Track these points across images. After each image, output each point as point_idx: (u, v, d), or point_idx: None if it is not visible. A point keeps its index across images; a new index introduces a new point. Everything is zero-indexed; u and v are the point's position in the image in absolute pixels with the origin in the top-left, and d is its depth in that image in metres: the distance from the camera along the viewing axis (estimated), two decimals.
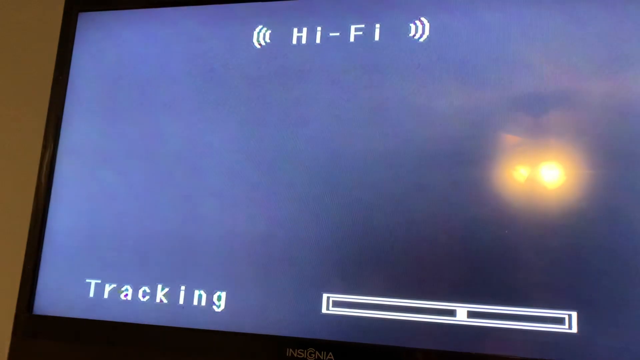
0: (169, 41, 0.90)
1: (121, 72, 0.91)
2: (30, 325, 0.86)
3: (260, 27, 0.86)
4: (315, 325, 0.76)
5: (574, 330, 0.69)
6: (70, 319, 0.84)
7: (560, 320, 0.69)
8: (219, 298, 0.80)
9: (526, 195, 0.73)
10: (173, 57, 0.89)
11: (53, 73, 0.93)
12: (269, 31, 0.86)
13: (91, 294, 0.85)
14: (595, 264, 0.69)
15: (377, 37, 0.82)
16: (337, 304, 0.76)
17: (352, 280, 0.76)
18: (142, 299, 0.83)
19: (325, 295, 0.76)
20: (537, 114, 0.75)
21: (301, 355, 0.75)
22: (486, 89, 0.77)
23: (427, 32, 0.80)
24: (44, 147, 0.91)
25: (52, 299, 0.86)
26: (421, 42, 0.80)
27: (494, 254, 0.72)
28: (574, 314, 0.69)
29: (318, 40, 0.84)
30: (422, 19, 0.80)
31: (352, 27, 0.83)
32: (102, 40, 0.93)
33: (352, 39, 0.82)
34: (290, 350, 0.75)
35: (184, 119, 0.87)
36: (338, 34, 0.83)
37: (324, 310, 0.76)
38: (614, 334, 0.67)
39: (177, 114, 0.87)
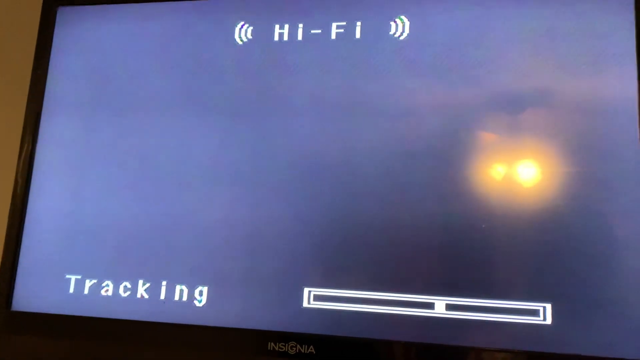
0: (149, 37, 0.90)
1: (101, 67, 0.91)
2: (9, 321, 0.85)
3: (241, 23, 0.87)
4: (297, 319, 0.77)
5: (549, 321, 0.70)
6: (50, 315, 0.84)
7: (535, 312, 0.71)
8: (201, 293, 0.80)
9: (503, 191, 0.75)
10: (154, 52, 0.89)
11: (31, 68, 0.92)
12: (251, 27, 0.86)
13: (71, 290, 0.84)
14: (569, 257, 0.71)
15: (358, 35, 0.82)
16: (318, 297, 0.77)
17: (333, 275, 0.77)
18: (123, 295, 0.82)
19: (306, 290, 0.77)
20: (514, 112, 0.76)
21: (283, 348, 0.75)
22: (465, 86, 0.78)
23: (407, 31, 0.81)
24: (22, 142, 0.90)
25: (31, 295, 0.85)
26: (401, 40, 0.81)
27: (472, 248, 0.74)
28: (549, 306, 0.71)
29: (300, 37, 0.84)
30: (402, 17, 0.81)
31: (334, 25, 0.84)
32: (81, 35, 0.92)
33: (333, 37, 0.83)
34: (272, 344, 0.76)
35: (164, 115, 0.87)
36: (319, 31, 0.84)
37: (305, 304, 0.77)
38: (587, 326, 0.70)
39: (158, 110, 0.87)
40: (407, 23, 0.81)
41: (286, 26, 0.85)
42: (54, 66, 0.92)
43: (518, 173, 0.75)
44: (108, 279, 0.83)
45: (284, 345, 0.76)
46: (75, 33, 0.93)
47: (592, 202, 0.72)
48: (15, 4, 1.08)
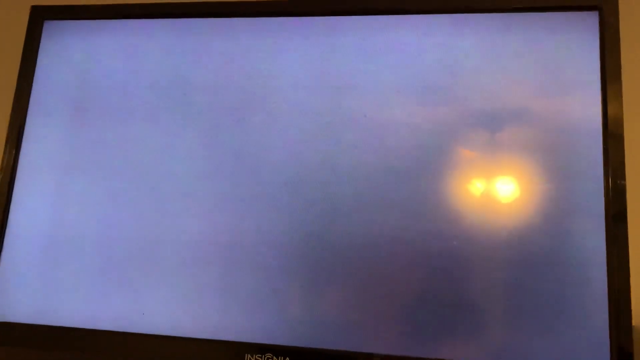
0: (134, 52, 0.92)
1: (85, 81, 0.92)
2: None
3: (225, 40, 0.89)
4: (273, 330, 0.78)
5: None
6: (29, 325, 0.84)
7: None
8: (179, 304, 0.81)
9: (474, 207, 0.78)
10: (138, 67, 0.91)
11: (16, 81, 0.93)
12: (233, 43, 0.88)
13: (51, 300, 0.84)
14: (537, 272, 0.74)
15: (341, 56, 0.85)
16: (294, 309, 0.78)
17: (310, 287, 0.79)
18: (102, 306, 0.83)
19: (283, 301, 0.79)
20: (489, 131, 0.79)
21: (260, 359, 0.77)
22: (442, 107, 0.81)
23: (386, 52, 0.84)
24: (5, 153, 0.91)
25: (10, 305, 0.86)
26: (380, 60, 0.84)
27: (445, 262, 0.76)
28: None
29: (280, 54, 0.87)
30: (385, 41, 0.84)
31: (315, 44, 0.86)
32: (67, 49, 0.94)
33: (314, 56, 0.86)
34: (249, 355, 0.77)
35: (146, 128, 0.88)
36: (302, 49, 0.86)
37: (282, 317, 0.78)
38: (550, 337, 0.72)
39: (140, 124, 0.89)
40: (387, 44, 0.84)
41: (267, 42, 0.88)
42: (38, 79, 0.93)
43: (489, 190, 0.78)
44: (88, 290, 0.84)
45: (261, 357, 0.77)
46: (61, 47, 0.94)
47: (563, 218, 0.75)
48: (1, 17, 1.09)
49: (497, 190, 0.78)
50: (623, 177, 0.74)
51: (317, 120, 0.84)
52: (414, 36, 0.84)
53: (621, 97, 0.76)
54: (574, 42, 0.80)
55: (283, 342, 0.77)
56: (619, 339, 0.70)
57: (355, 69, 0.84)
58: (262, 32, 0.88)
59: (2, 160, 0.91)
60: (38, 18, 0.95)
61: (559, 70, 0.79)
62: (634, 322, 0.71)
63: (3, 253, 0.88)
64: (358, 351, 0.76)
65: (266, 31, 0.88)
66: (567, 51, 0.80)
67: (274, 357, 0.77)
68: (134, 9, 0.94)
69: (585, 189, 0.75)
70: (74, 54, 0.94)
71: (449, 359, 0.74)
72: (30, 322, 0.84)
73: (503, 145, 0.79)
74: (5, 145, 0.91)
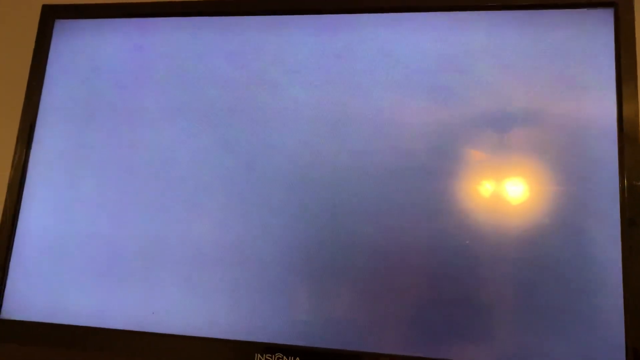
0: (145, 50, 0.92)
1: (96, 79, 0.92)
2: None
3: (236, 38, 0.89)
4: (283, 330, 0.78)
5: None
6: (38, 324, 0.84)
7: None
8: (189, 304, 0.81)
9: (486, 208, 0.77)
10: (149, 66, 0.91)
11: (27, 79, 0.93)
12: (245, 42, 0.88)
13: (62, 298, 0.85)
14: (552, 274, 0.73)
15: (350, 54, 0.85)
16: (304, 309, 0.78)
17: (319, 288, 0.79)
18: (112, 304, 0.83)
19: (292, 301, 0.78)
20: (499, 132, 0.79)
21: (269, 359, 0.77)
22: (453, 107, 0.80)
23: (397, 52, 0.83)
24: (16, 152, 0.91)
25: (20, 304, 0.86)
26: (392, 61, 0.83)
27: (456, 263, 0.76)
28: None
29: (293, 53, 0.86)
30: (393, 38, 0.84)
31: (327, 42, 0.86)
32: (78, 48, 0.94)
33: (326, 54, 0.85)
34: (259, 355, 0.77)
35: (156, 128, 0.88)
36: (312, 48, 0.86)
37: (291, 316, 0.78)
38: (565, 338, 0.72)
39: (150, 123, 0.89)
40: (398, 44, 0.83)
41: (276, 41, 0.87)
42: (49, 77, 0.94)
43: (501, 191, 0.77)
44: (97, 289, 0.84)
45: (271, 357, 0.77)
46: (72, 46, 0.94)
47: (573, 220, 0.74)
48: (13, 16, 1.10)
49: (511, 192, 0.77)
50: (639, 179, 0.73)
51: (326, 119, 0.83)
52: (424, 34, 0.83)
53: (637, 96, 0.75)
54: (588, 40, 0.79)
55: (293, 342, 0.77)
56: (635, 342, 0.70)
57: (363, 68, 0.84)
58: (271, 30, 0.88)
59: (13, 159, 0.91)
60: (49, 17, 0.96)
61: (573, 69, 0.78)
62: None
63: (13, 252, 0.88)
64: (367, 351, 0.76)
65: (275, 29, 0.88)
66: (581, 49, 0.79)
67: (284, 357, 0.77)
68: (144, 7, 0.94)
69: (600, 190, 0.74)
70: (84, 53, 0.94)
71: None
72: (40, 320, 0.85)
73: (516, 146, 0.78)
74: (16, 144, 0.91)
